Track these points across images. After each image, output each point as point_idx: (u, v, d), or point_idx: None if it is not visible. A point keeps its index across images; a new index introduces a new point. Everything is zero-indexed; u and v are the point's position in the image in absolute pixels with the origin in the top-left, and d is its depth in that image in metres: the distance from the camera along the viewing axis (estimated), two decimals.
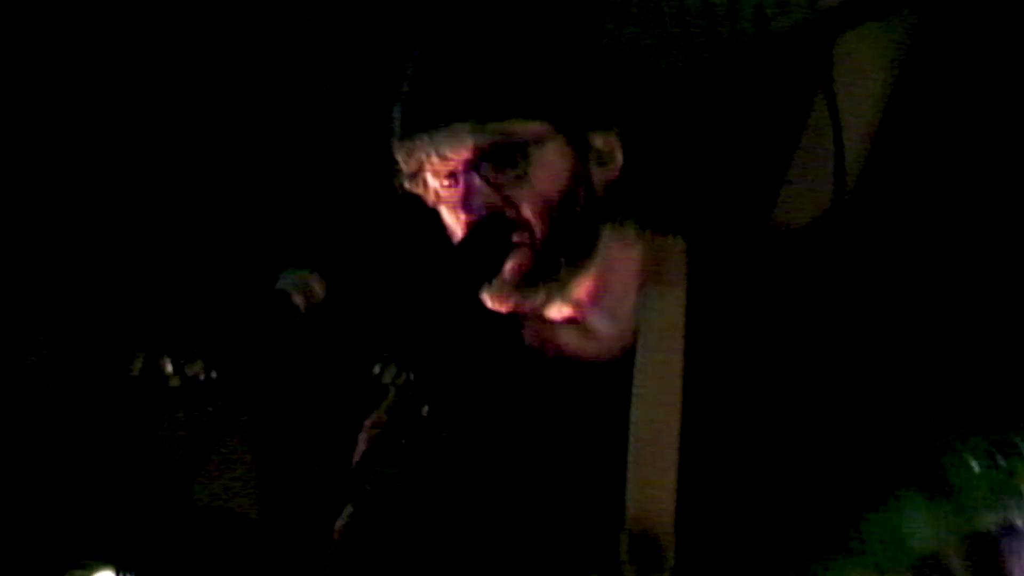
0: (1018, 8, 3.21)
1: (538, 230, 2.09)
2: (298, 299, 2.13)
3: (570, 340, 2.21)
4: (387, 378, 1.90)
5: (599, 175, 2.15)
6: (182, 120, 3.93)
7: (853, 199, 3.43)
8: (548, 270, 2.11)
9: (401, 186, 2.17)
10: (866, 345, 2.18)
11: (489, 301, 2.09)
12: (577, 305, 2.19)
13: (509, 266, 2.08)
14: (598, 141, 2.14)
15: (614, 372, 2.17)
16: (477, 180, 2.07)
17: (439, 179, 2.11)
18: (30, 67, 3.90)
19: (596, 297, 2.18)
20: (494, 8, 2.13)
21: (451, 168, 2.10)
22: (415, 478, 2.21)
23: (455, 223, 2.13)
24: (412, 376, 1.92)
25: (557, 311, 2.20)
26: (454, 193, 2.11)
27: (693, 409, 2.13)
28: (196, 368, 2.05)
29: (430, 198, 2.14)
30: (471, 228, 2.08)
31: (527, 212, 2.09)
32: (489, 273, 2.07)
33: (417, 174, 2.12)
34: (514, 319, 2.22)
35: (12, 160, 4.00)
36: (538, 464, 2.19)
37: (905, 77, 3.36)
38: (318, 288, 2.15)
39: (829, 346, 2.15)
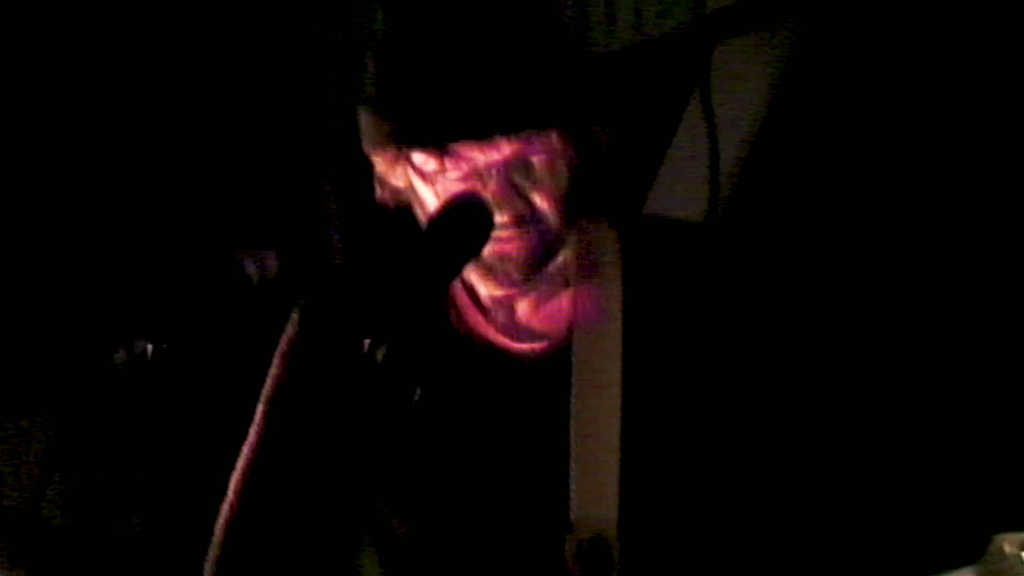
0: (898, 17, 3.24)
1: (552, 222, 2.05)
2: (251, 269, 2.00)
3: (497, 333, 2.14)
4: (379, 356, 1.78)
5: (595, 165, 2.13)
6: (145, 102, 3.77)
7: (726, 207, 3.42)
8: (552, 254, 2.06)
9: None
10: (761, 344, 2.18)
11: (492, 286, 2.02)
12: (515, 284, 2.12)
13: (519, 248, 2.02)
14: (597, 134, 2.12)
15: (549, 364, 2.12)
16: (503, 187, 2.01)
17: (460, 177, 2.02)
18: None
19: (531, 281, 2.12)
20: (485, 21, 2.06)
21: (465, 171, 2.03)
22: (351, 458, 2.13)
23: (428, 195, 2.03)
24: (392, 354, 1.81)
25: (489, 288, 2.12)
26: (442, 167, 2.01)
27: (633, 404, 2.09)
28: (142, 345, 1.90)
29: (408, 177, 2.04)
30: (454, 206, 1.99)
31: (542, 205, 2.06)
32: (470, 252, 1.99)
33: (434, 174, 2.04)
34: (440, 305, 2.14)
35: None
36: (477, 462, 2.12)
37: (784, 84, 3.36)
38: (272, 262, 2.02)
39: (738, 343, 2.15)
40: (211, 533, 1.94)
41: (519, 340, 2.14)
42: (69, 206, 3.78)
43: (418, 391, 1.86)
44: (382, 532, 2.16)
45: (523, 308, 2.14)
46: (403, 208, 2.09)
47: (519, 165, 2.02)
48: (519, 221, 2.02)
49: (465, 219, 1.96)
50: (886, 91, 3.26)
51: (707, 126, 3.43)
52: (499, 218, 2.01)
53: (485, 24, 2.03)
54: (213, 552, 1.93)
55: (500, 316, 2.14)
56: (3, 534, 1.95)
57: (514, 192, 2.03)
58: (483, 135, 1.99)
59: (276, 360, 2.16)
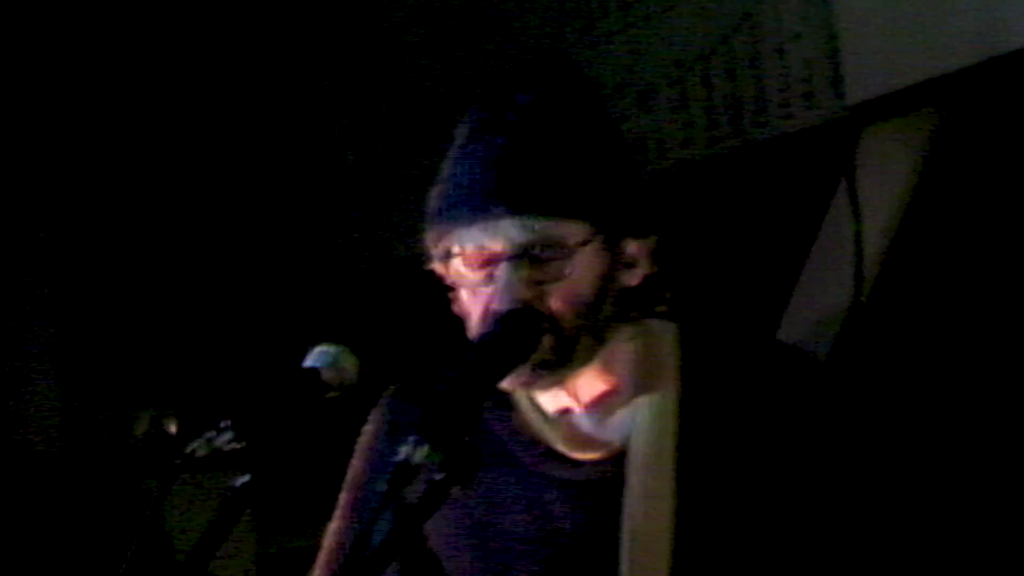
0: None
1: (565, 324, 2.09)
2: (329, 375, 2.12)
3: (560, 434, 2.20)
4: (418, 458, 1.89)
5: (625, 278, 2.15)
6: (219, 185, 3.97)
7: (871, 298, 3.44)
8: (566, 357, 2.11)
9: (425, 264, 2.17)
10: (858, 477, 2.18)
11: (507, 383, 2.09)
12: (575, 396, 2.18)
13: (533, 355, 2.09)
14: (632, 247, 2.15)
15: (604, 469, 2.17)
16: (515, 275, 2.08)
17: (470, 265, 2.11)
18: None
19: (592, 389, 2.18)
20: (543, 101, 2.14)
21: (485, 258, 2.10)
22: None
23: (475, 307, 2.12)
24: (438, 457, 1.91)
25: (553, 400, 2.19)
26: (483, 279, 2.11)
27: (686, 518, 2.13)
28: (225, 438, 2.04)
29: (452, 279, 2.14)
30: (507, 316, 2.07)
31: (558, 306, 2.09)
32: (518, 361, 2.07)
33: (447, 257, 2.12)
34: (505, 405, 2.21)
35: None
36: (522, 561, 2.18)
37: (928, 173, 3.38)
38: (351, 367, 2.14)
39: (819, 470, 2.15)
40: None
41: (579, 447, 2.20)
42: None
43: (457, 488, 1.93)
44: None
45: (582, 416, 2.20)
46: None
47: (535, 259, 2.06)
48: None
49: (515, 331, 2.05)
50: None
51: (852, 215, 3.46)
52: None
53: (534, 116, 2.11)
54: None
55: (562, 424, 2.20)
56: None
57: (527, 286, 2.06)
58: (491, 215, 2.05)
59: (357, 453, 2.31)
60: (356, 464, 2.29)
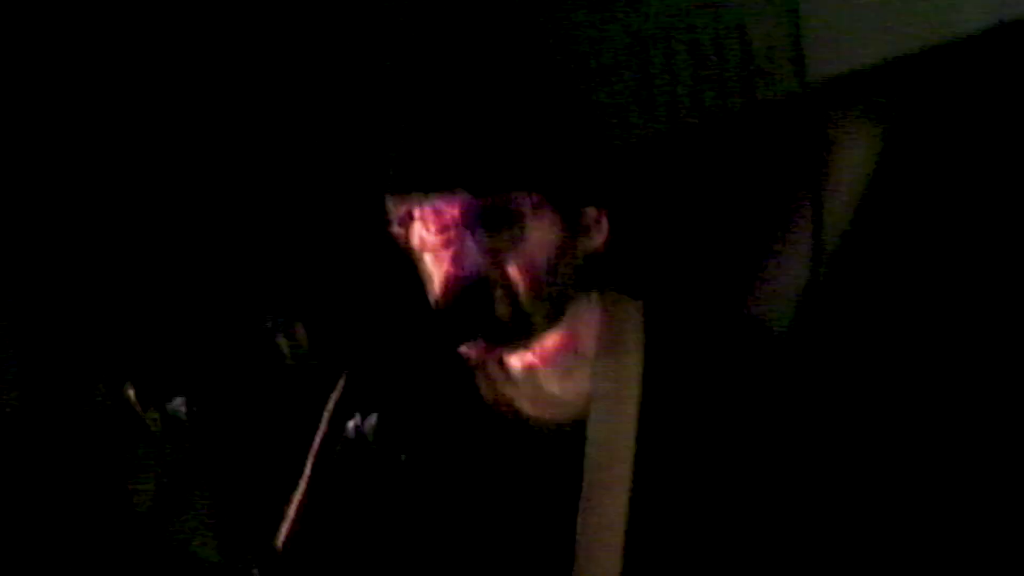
0: (1004, 94, 3.25)
1: (521, 291, 2.12)
2: (283, 344, 2.14)
3: (524, 396, 2.23)
4: (367, 428, 1.92)
5: (583, 245, 2.19)
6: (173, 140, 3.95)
7: (829, 274, 3.46)
8: (523, 326, 2.14)
9: (385, 228, 2.19)
10: (812, 448, 2.21)
11: (464, 349, 2.11)
12: (540, 356, 2.21)
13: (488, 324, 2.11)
14: (590, 214, 2.18)
15: (565, 433, 2.19)
16: (470, 240, 2.10)
17: (429, 229, 2.14)
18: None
19: (558, 350, 2.21)
20: (495, 74, 2.18)
21: (444, 222, 2.12)
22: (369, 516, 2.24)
23: (436, 273, 2.15)
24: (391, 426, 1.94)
25: (518, 358, 2.22)
26: (441, 245, 2.13)
27: (643, 479, 2.15)
28: (177, 404, 2.06)
29: (414, 244, 2.17)
30: (458, 289, 2.10)
31: (513, 274, 2.12)
32: (471, 333, 2.09)
33: (405, 221, 2.15)
34: (470, 371, 2.24)
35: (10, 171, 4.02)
36: (482, 522, 2.20)
37: (889, 152, 3.40)
38: (302, 336, 2.16)
39: (775, 441, 2.18)
40: None
41: (544, 410, 2.22)
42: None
43: (402, 456, 1.97)
44: None
45: (548, 379, 2.23)
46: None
47: (489, 226, 2.09)
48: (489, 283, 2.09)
49: (468, 302, 2.07)
50: (993, 163, 3.27)
51: (812, 192, 3.48)
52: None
53: (486, 89, 2.14)
54: None
55: (528, 386, 2.23)
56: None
57: (482, 253, 2.09)
58: (451, 184, 2.08)
59: (324, 419, 2.33)
60: (322, 433, 2.31)
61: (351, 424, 1.93)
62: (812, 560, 2.16)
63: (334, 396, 2.30)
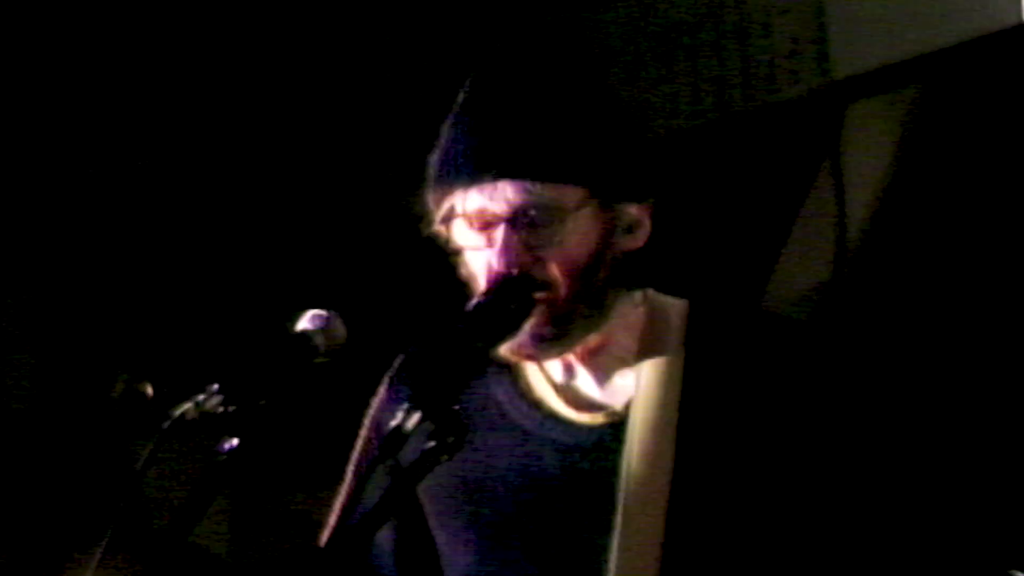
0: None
1: (562, 290, 2.09)
2: (319, 339, 2.12)
3: (561, 402, 2.21)
4: (409, 426, 1.89)
5: (625, 242, 2.15)
6: (206, 146, 3.94)
7: (852, 272, 3.45)
8: (564, 327, 2.11)
9: (425, 227, 2.17)
10: (856, 433, 2.18)
11: (504, 351, 2.08)
12: (580, 355, 2.19)
13: (529, 323, 2.08)
14: (632, 211, 2.15)
15: (604, 435, 2.17)
16: (514, 237, 2.08)
17: (471, 227, 2.11)
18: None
19: (598, 350, 2.18)
20: (543, 67, 2.15)
21: (487, 220, 2.10)
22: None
23: (477, 271, 2.12)
24: (430, 423, 1.91)
25: (558, 359, 2.19)
26: (484, 243, 2.11)
27: (683, 480, 2.13)
28: (214, 401, 2.03)
29: (455, 243, 2.14)
30: (498, 284, 2.07)
31: (554, 272, 2.09)
32: (510, 330, 2.07)
33: (447, 219, 2.12)
34: (506, 368, 2.21)
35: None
36: (518, 523, 2.18)
37: (911, 149, 3.39)
38: (340, 329, 2.14)
39: (816, 430, 2.15)
40: None
41: (582, 410, 2.20)
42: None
43: (444, 457, 1.93)
44: None
45: (587, 380, 2.20)
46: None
47: (532, 223, 2.06)
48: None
49: (509, 298, 2.05)
50: (1017, 160, 3.26)
51: (835, 189, 3.47)
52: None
53: (535, 82, 2.12)
54: None
55: (567, 388, 2.21)
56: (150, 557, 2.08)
57: (525, 251, 2.06)
58: (494, 179, 2.06)
59: (367, 422, 2.31)
60: (363, 435, 2.29)
61: (392, 423, 1.89)
62: (856, 562, 2.13)
63: (377, 398, 2.29)
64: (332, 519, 2.25)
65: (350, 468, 2.29)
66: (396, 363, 2.28)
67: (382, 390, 2.28)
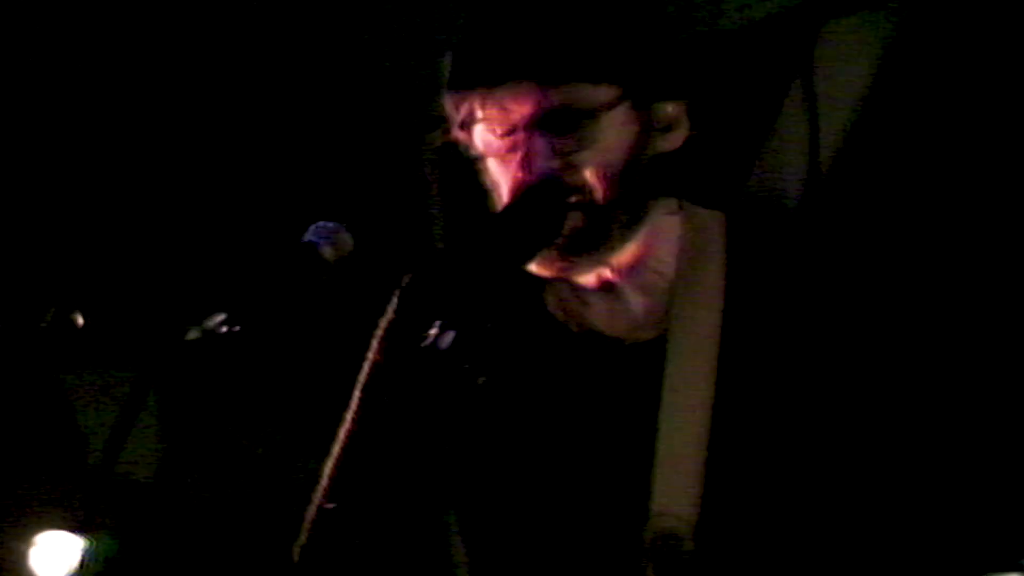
0: (1002, 4, 3.19)
1: (597, 195, 1.98)
2: (327, 250, 2.00)
3: (599, 314, 2.09)
4: (443, 345, 1.78)
5: (662, 143, 2.04)
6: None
7: (825, 190, 3.39)
8: (600, 236, 1.99)
9: (443, 134, 2.04)
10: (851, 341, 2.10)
11: (536, 266, 1.97)
12: (617, 271, 2.07)
13: (562, 232, 1.96)
14: (668, 109, 2.04)
15: (643, 352, 2.06)
16: (540, 142, 1.95)
17: (494, 131, 1.98)
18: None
19: (636, 265, 2.07)
20: None
21: (512, 122, 1.97)
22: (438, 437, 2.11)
23: (504, 178, 2.00)
24: (459, 338, 1.81)
25: (595, 275, 2.07)
26: (510, 148, 1.98)
27: (726, 397, 2.03)
28: (217, 321, 1.91)
29: (478, 149, 2.01)
30: (529, 190, 1.95)
31: (588, 176, 1.98)
32: (545, 238, 1.95)
33: (468, 123, 1.99)
34: (539, 284, 2.10)
35: None
36: (559, 443, 2.08)
37: (886, 68, 3.33)
38: (347, 240, 2.02)
39: (860, 348, 2.07)
40: (296, 513, 1.95)
41: (620, 328, 2.09)
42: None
43: (482, 379, 1.83)
44: (467, 512, 2.12)
45: (625, 296, 2.09)
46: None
47: (561, 127, 1.95)
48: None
49: (540, 204, 1.93)
50: (988, 75, 3.21)
51: (808, 107, 3.40)
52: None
53: None
54: (303, 534, 1.94)
55: (602, 305, 2.09)
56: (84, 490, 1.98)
57: (554, 156, 1.95)
58: (518, 77, 1.92)
59: (375, 345, 2.17)
60: (371, 358, 2.16)
61: (424, 343, 1.78)
62: (891, 487, 2.05)
63: (385, 319, 2.16)
64: (336, 448, 2.14)
65: (355, 397, 2.17)
66: (405, 281, 2.16)
67: (388, 313, 2.17)
